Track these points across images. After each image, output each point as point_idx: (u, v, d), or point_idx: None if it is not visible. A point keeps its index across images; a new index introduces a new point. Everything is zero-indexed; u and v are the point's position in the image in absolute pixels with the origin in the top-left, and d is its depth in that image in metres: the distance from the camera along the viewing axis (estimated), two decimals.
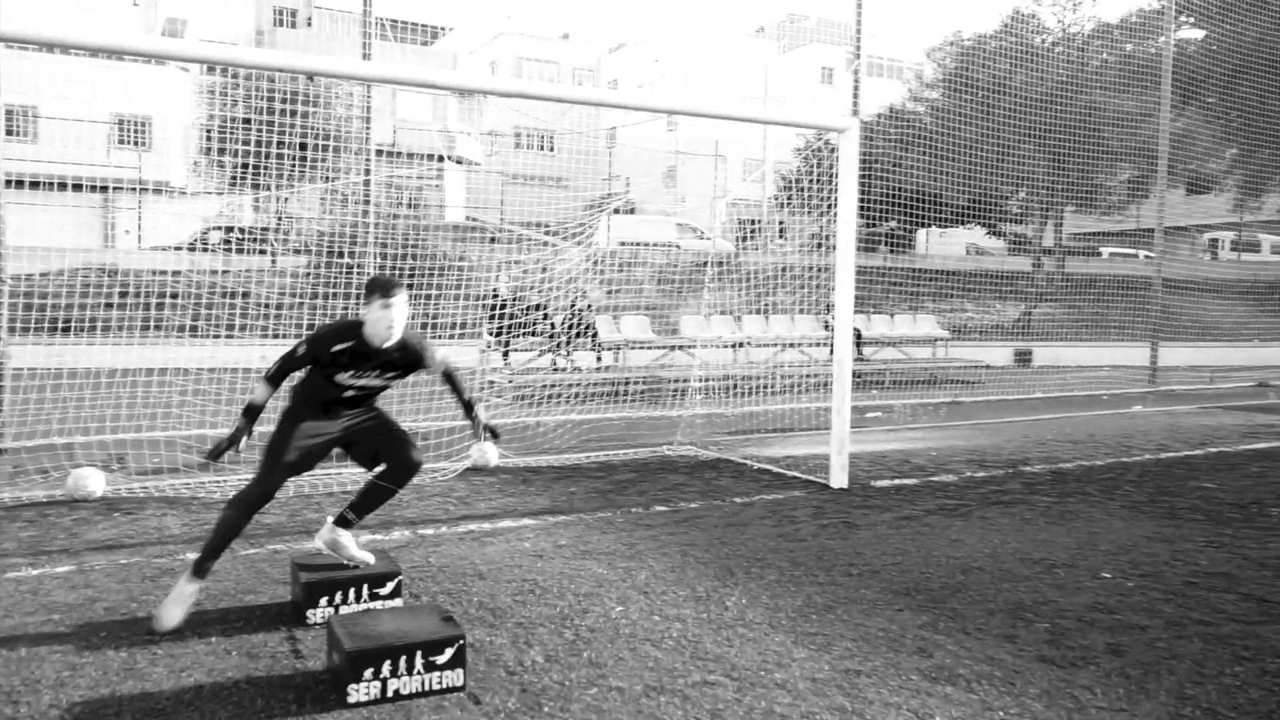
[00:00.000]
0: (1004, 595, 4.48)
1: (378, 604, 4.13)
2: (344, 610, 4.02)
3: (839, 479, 6.98)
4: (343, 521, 4.31)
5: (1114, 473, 7.85)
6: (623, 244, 28.64)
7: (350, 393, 4.16)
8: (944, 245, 33.00)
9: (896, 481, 7.32)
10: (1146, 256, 34.09)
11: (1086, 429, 10.65)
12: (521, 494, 6.65)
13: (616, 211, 44.36)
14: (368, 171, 9.88)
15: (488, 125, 49.37)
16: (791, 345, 15.21)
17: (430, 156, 36.09)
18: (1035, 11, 25.07)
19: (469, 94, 42.28)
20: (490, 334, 12.58)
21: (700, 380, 9.18)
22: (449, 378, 4.34)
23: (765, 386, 10.93)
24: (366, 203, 9.66)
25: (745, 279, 17.06)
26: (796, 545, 5.36)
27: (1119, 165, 19.25)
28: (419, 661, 3.29)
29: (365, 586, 4.13)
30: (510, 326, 12.20)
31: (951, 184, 17.39)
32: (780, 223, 35.41)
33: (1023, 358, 19.80)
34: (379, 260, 9.55)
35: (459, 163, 43.25)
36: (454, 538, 5.43)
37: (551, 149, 51.62)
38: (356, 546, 4.32)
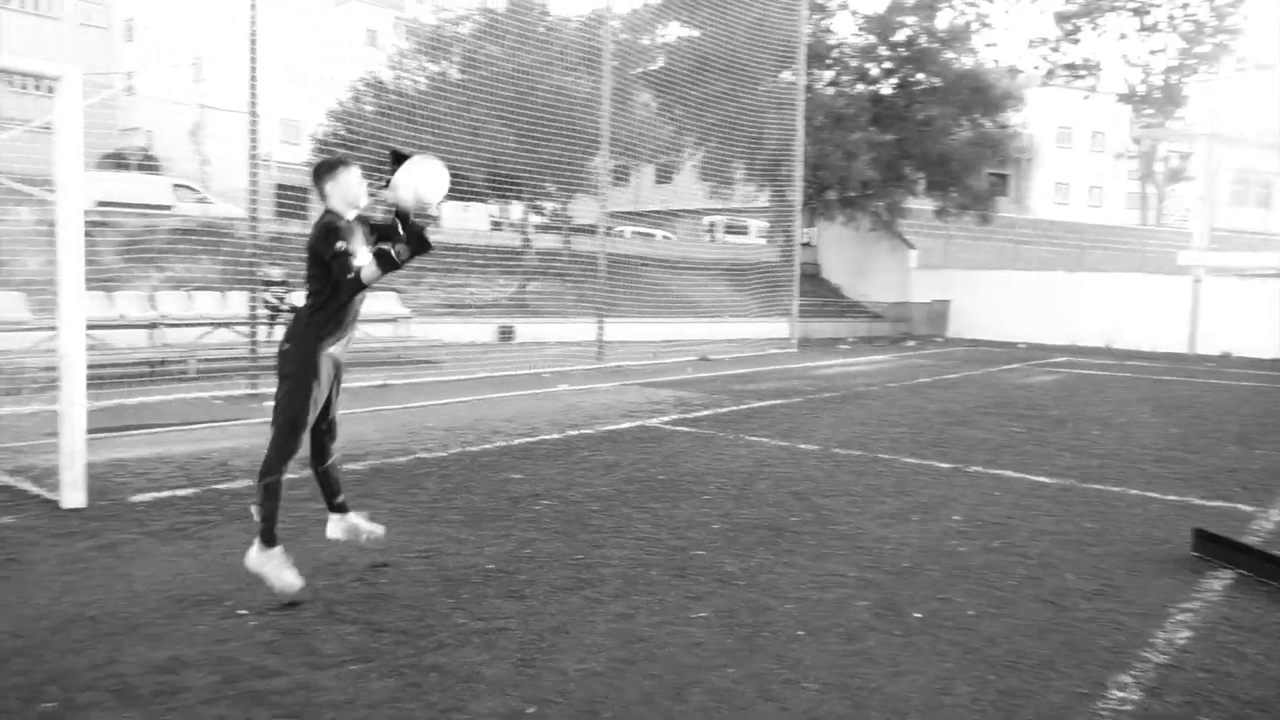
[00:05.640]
0: (48, 665, 3.63)
1: None
2: None
3: (73, 497, 5.86)
4: (339, 509, 4.87)
5: (440, 466, 7.52)
6: (101, 205, 24.99)
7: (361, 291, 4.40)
8: (467, 219, 32.83)
9: (167, 494, 6.35)
10: (665, 236, 36.72)
11: (483, 413, 10.49)
12: None
13: (124, 167, 39.27)
14: None
15: None
16: (223, 325, 13.77)
17: None
18: None
19: None
20: None
21: None
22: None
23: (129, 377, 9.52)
24: None
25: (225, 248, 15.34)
26: None
27: (589, 148, 19.85)
28: None
29: None
30: None
31: (442, 158, 16.86)
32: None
33: (505, 334, 19.93)
34: None
35: None
36: None
37: (50, 93, 44.60)
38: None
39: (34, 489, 6.25)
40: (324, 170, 4.54)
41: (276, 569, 4.35)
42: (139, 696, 3.36)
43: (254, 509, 5.74)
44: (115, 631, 3.95)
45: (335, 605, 4.32)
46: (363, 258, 4.40)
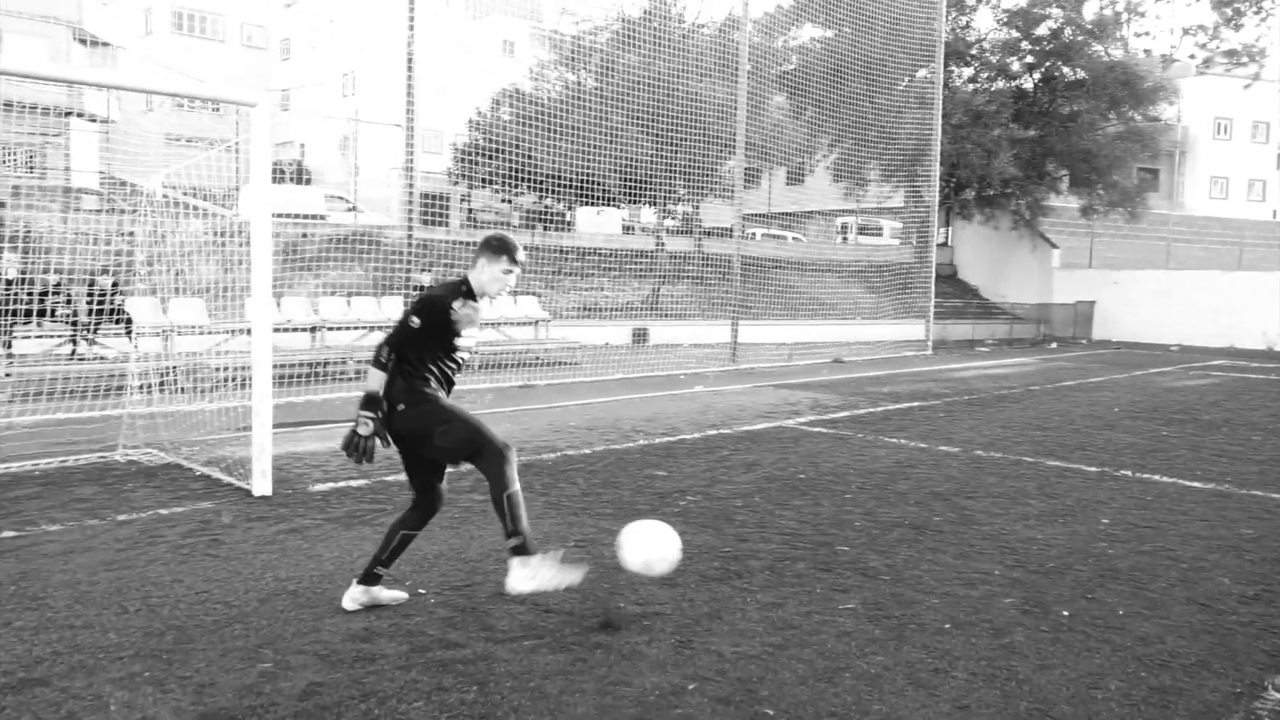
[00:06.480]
0: (262, 631, 4.08)
1: None
2: None
3: (261, 486, 6.43)
4: (370, 578, 4.33)
5: (587, 463, 7.87)
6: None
7: (462, 361, 4.28)
8: (600, 224, 33.44)
9: (342, 484, 6.89)
10: (794, 238, 36.55)
11: (624, 412, 10.83)
12: None
13: (283, 180, 41.49)
14: None
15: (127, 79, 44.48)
16: (378, 329, 14.57)
17: (59, 112, 32.37)
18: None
19: None
20: None
21: (143, 374, 8.25)
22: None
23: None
24: None
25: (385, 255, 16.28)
26: (101, 578, 4.71)
27: (722, 152, 20.07)
28: None
29: None
30: (15, 311, 10.69)
31: (576, 164, 17.44)
32: (464, 196, 34.45)
33: (639, 336, 20.34)
34: None
35: (92, 120, 38.69)
36: None
37: (216, 110, 47.58)
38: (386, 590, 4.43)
39: (226, 478, 6.87)
40: (491, 245, 4.22)
41: (550, 574, 4.01)
42: (341, 660, 3.76)
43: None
44: (313, 604, 4.39)
45: (504, 587, 4.66)
46: (466, 337, 4.19)
